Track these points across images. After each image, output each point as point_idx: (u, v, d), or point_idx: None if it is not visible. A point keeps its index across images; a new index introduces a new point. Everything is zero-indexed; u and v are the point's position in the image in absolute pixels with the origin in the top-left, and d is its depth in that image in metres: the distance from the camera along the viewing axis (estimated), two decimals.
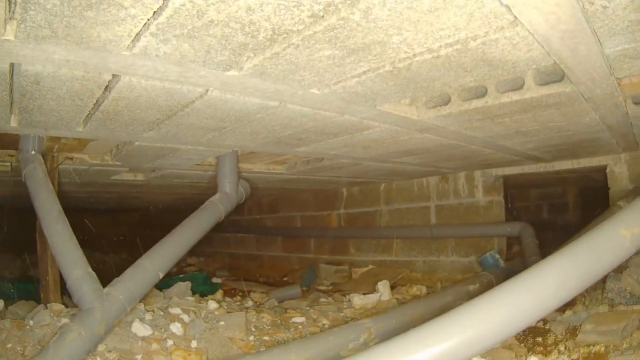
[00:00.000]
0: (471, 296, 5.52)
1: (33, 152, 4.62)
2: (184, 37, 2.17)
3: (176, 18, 1.97)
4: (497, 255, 7.25)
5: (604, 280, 5.11)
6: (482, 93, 3.41)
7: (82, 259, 4.06)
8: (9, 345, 4.27)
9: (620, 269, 5.32)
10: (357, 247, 9.86)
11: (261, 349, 4.73)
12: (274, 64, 2.56)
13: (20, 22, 2.01)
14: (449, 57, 2.58)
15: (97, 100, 3.19)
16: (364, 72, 2.76)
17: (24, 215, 13.54)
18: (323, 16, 2.00)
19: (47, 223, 4.26)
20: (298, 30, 2.13)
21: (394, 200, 9.14)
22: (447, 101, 3.59)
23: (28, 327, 4.58)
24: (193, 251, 13.40)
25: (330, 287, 8.86)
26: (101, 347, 4.18)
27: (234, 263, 13.11)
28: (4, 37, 2.13)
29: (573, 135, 4.88)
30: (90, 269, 4.04)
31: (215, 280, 9.75)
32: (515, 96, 3.28)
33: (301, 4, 1.90)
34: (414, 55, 2.53)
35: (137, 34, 2.12)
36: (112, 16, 1.95)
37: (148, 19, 1.98)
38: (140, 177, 7.31)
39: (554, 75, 3.09)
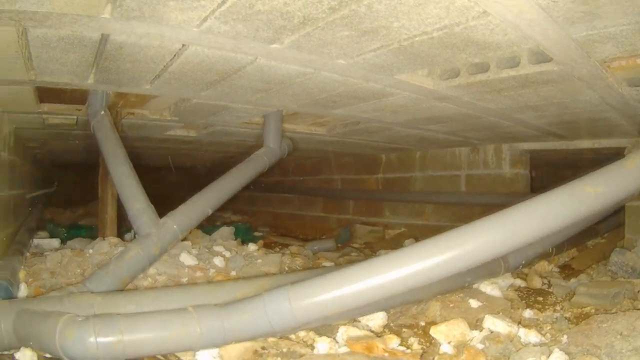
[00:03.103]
0: None
1: (101, 106, 5.06)
2: (239, 20, 2.77)
3: (234, 7, 2.59)
4: None
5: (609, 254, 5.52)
6: (485, 69, 3.74)
7: (143, 195, 4.62)
8: (70, 268, 4.78)
9: (630, 247, 5.74)
10: (392, 210, 10.21)
11: None
12: (307, 40, 3.10)
13: (117, 5, 2.62)
14: (441, 39, 3.03)
15: (166, 64, 3.71)
16: (378, 48, 3.23)
17: (73, 171, 13.85)
18: (338, 8, 2.58)
19: (113, 166, 4.78)
20: (322, 17, 2.71)
21: (428, 167, 9.43)
22: (457, 74, 3.94)
23: (87, 254, 5.10)
24: (236, 209, 13.68)
25: (364, 246, 9.08)
26: (152, 270, 4.73)
27: (276, 222, 13.28)
28: (102, 16, 2.74)
29: (581, 113, 5.15)
30: (149, 203, 4.60)
31: (256, 233, 9.91)
32: (512, 72, 3.63)
33: (321, 1, 2.50)
34: (414, 36, 2.98)
35: (204, 17, 2.74)
36: (188, 5, 2.57)
37: (214, 8, 2.60)
38: (192, 133, 7.71)
39: (545, 56, 3.39)
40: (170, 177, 15.70)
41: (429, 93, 4.45)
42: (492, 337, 3.46)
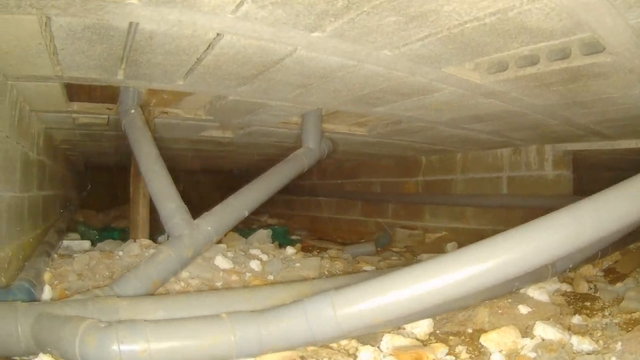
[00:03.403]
0: None
1: (133, 104, 4.94)
2: (278, 4, 2.60)
3: None
4: None
5: None
6: (535, 61, 3.60)
7: (176, 194, 4.47)
8: (98, 270, 4.66)
9: None
10: (432, 213, 10.07)
11: None
12: (350, 27, 2.92)
13: None
14: (493, 25, 2.88)
15: (200, 56, 3.54)
16: (426, 37, 3.05)
17: (106, 174, 14.00)
18: None
19: (145, 164, 4.63)
20: (367, 0, 2.53)
21: (469, 169, 9.30)
22: (505, 67, 3.78)
23: (117, 256, 5.02)
24: (272, 212, 13.73)
25: (404, 250, 8.98)
26: (185, 274, 4.60)
27: (313, 225, 13.29)
28: (128, 1, 2.58)
29: (629, 110, 4.99)
30: (182, 203, 4.44)
31: (294, 237, 9.85)
32: (563, 64, 3.49)
33: None
34: (464, 22, 2.82)
35: (240, 1, 2.56)
36: None
37: None
38: (228, 134, 7.58)
39: (597, 46, 3.26)
40: (206, 181, 15.83)
41: (475, 88, 4.30)
42: (544, 345, 3.31)
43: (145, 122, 5.01)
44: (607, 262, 6.13)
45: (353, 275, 4.73)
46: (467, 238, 8.04)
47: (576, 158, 8.18)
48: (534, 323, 3.63)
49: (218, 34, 3.14)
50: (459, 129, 6.59)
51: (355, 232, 11.54)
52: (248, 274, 5.07)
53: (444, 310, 3.90)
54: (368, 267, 6.42)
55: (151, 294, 3.89)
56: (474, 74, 4.02)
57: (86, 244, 6.65)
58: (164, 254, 4.07)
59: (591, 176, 10.40)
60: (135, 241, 5.42)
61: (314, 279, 5.02)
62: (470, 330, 3.81)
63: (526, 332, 3.65)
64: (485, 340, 3.45)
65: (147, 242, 5.39)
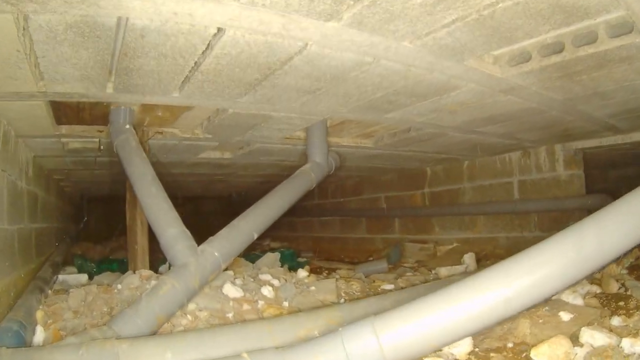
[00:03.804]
0: None
1: (125, 123, 4.67)
2: None
3: None
4: None
5: None
6: (559, 49, 3.49)
7: (177, 218, 4.13)
8: (96, 306, 4.34)
9: None
10: (441, 225, 9.90)
11: None
12: (372, 13, 2.65)
13: None
14: (527, 3, 2.69)
15: (197, 59, 3.25)
16: (453, 22, 2.83)
17: (104, 205, 14.03)
18: None
19: (141, 187, 4.33)
20: None
21: (477, 177, 9.16)
22: (527, 58, 3.67)
23: (116, 290, 4.72)
24: (275, 235, 13.81)
25: (416, 265, 8.78)
26: (192, 306, 4.28)
27: (318, 246, 13.04)
28: None
29: None
30: (184, 228, 4.09)
31: (300, 259, 9.62)
32: (590, 49, 3.37)
33: None
34: (497, 1, 2.62)
35: None
36: None
37: None
38: (227, 155, 7.37)
39: (624, 27, 3.15)
40: (204, 207, 16.02)
41: (495, 84, 4.15)
42: (597, 352, 3.16)
43: (139, 142, 4.75)
44: (628, 260, 6.05)
45: (382, 296, 4.43)
46: (481, 247, 8.63)
47: (585, 158, 8.10)
48: (579, 329, 3.50)
49: (219, 29, 2.83)
50: (471, 133, 6.44)
51: (362, 251, 11.42)
52: (260, 302, 4.71)
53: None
54: (387, 286, 6.13)
55: (155, 332, 3.57)
56: (494, 67, 3.87)
57: (83, 277, 6.43)
58: (168, 285, 3.69)
59: (599, 175, 10.32)
60: (134, 272, 5.12)
61: (334, 303, 4.81)
62: (511, 345, 3.61)
63: (572, 340, 3.46)
64: (537, 354, 3.25)
65: (148, 272, 5.07)
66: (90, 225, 13.89)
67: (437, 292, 2.69)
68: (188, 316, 4.15)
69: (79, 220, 13.37)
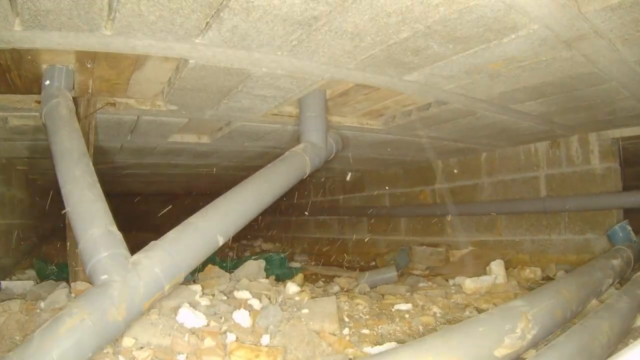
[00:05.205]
0: (616, 272, 4.74)
1: (58, 87, 3.77)
2: None
3: None
4: (629, 227, 6.29)
5: None
6: None
7: (104, 213, 2.91)
8: (7, 331, 3.33)
9: None
10: (455, 226, 9.03)
11: (364, 348, 3.42)
12: None
13: None
14: None
15: None
16: None
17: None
18: None
19: (62, 168, 3.27)
20: None
21: (497, 171, 8.38)
22: None
23: (38, 310, 3.69)
24: (267, 236, 13.29)
25: (427, 272, 8.12)
26: (128, 342, 2.98)
27: (314, 248, 12.30)
28: None
29: None
30: (114, 228, 2.84)
31: (293, 264, 9.10)
32: None
33: None
34: None
35: None
36: None
37: None
38: (205, 139, 6.68)
39: None
40: (196, 203, 15.23)
41: (566, 24, 3.22)
42: None
43: (72, 110, 3.82)
44: None
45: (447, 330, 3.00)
46: (501, 252, 7.84)
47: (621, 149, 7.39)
48: None
49: None
50: (504, 112, 5.60)
51: (363, 254, 10.77)
52: (231, 335, 3.30)
53: None
54: (403, 306, 4.74)
55: None
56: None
57: (29, 284, 5.64)
58: (74, 318, 2.34)
59: (635, 172, 9.40)
60: (69, 285, 4.06)
61: (332, 334, 3.62)
62: None
63: None
64: None
65: (84, 286, 3.75)
66: (56, 225, 13.08)
67: None
68: (120, 357, 2.81)
69: (56, 217, 12.47)
